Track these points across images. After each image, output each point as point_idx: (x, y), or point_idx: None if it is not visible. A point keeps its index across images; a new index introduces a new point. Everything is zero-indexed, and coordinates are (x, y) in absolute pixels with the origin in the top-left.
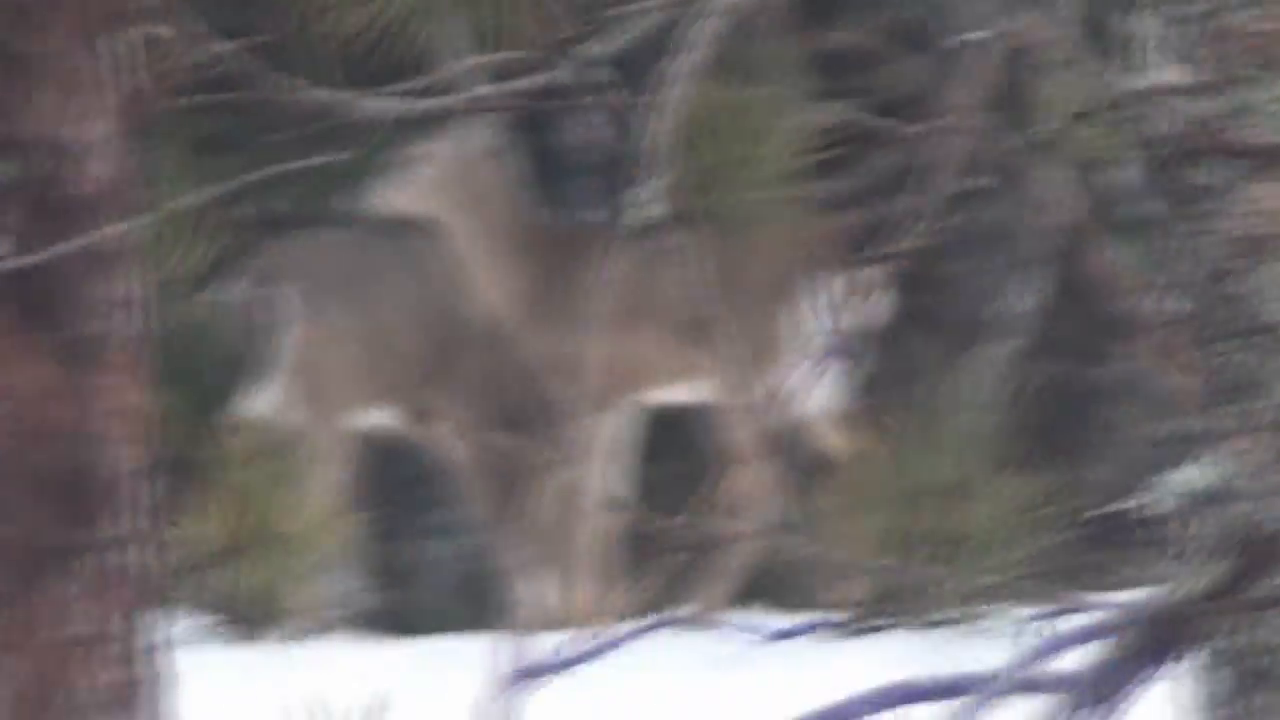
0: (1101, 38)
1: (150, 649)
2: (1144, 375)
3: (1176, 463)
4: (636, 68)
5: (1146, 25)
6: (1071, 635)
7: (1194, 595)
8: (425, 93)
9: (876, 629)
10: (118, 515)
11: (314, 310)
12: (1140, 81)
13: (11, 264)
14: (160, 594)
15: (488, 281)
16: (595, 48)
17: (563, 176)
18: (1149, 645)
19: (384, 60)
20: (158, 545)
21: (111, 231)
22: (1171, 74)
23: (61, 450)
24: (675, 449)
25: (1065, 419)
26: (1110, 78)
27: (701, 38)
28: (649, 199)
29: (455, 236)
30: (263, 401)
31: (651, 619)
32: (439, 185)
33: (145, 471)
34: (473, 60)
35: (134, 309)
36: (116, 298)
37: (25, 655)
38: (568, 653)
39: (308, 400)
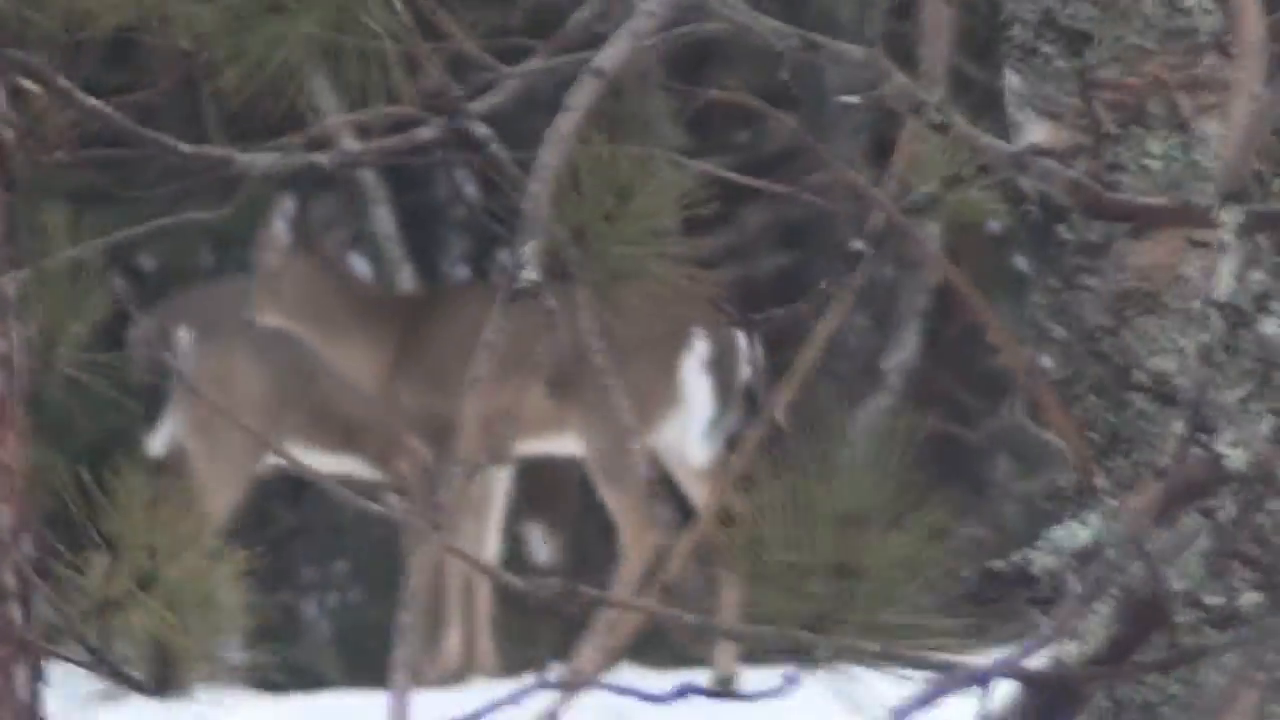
0: (968, 93)
1: (27, 704)
2: (1020, 431)
3: (1057, 519)
4: (508, 123)
5: (1012, 81)
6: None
7: (1081, 658)
8: (300, 148)
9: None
10: None
11: (212, 352)
12: (1011, 143)
13: None
14: (39, 650)
15: (345, 364)
16: (469, 105)
17: (432, 232)
18: (1035, 708)
19: (260, 116)
20: (36, 600)
21: None
22: (1040, 131)
23: None
24: (552, 501)
25: (942, 474)
26: (980, 139)
27: (580, 99)
28: (526, 259)
29: (305, 336)
30: (157, 444)
31: (534, 679)
32: (272, 300)
33: (23, 526)
34: (346, 116)
35: (8, 365)
36: None
37: None
38: (454, 713)
39: (204, 440)
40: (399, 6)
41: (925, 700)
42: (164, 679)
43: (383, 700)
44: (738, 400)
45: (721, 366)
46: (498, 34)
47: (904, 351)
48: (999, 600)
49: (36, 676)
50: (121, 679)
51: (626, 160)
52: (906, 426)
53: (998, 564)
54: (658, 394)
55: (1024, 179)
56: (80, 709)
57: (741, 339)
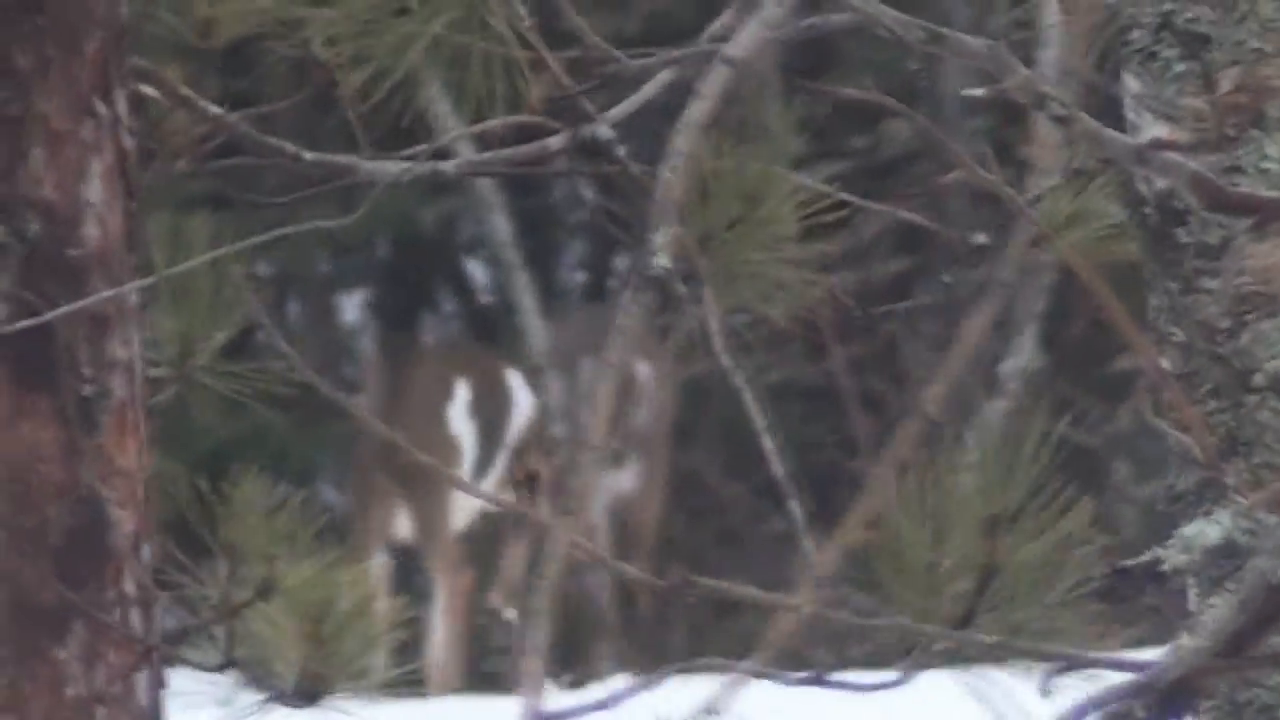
0: (1090, 97)
1: (149, 710)
2: (1138, 435)
3: (1174, 523)
4: (633, 132)
5: (1130, 85)
6: (1095, 699)
7: (1204, 652)
8: (424, 157)
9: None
10: (116, 576)
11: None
12: (1133, 139)
13: (8, 327)
14: (160, 655)
15: None
16: (593, 117)
17: (549, 238)
18: (1160, 706)
19: (383, 123)
20: (157, 606)
21: (106, 295)
22: (1158, 134)
23: (58, 512)
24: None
25: (1065, 477)
26: (1103, 133)
27: (711, 87)
28: (658, 247)
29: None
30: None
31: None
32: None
33: (144, 532)
34: (475, 127)
35: (130, 371)
36: (113, 360)
37: (24, 717)
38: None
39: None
40: (523, 10)
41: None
42: (309, 690)
43: (501, 705)
44: (504, 442)
45: (486, 410)
46: (613, 40)
47: (1022, 356)
48: (1130, 599)
49: (157, 683)
50: (267, 691)
51: (752, 169)
52: (1039, 428)
53: (1129, 562)
54: (436, 446)
55: (1143, 177)
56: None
57: (513, 379)
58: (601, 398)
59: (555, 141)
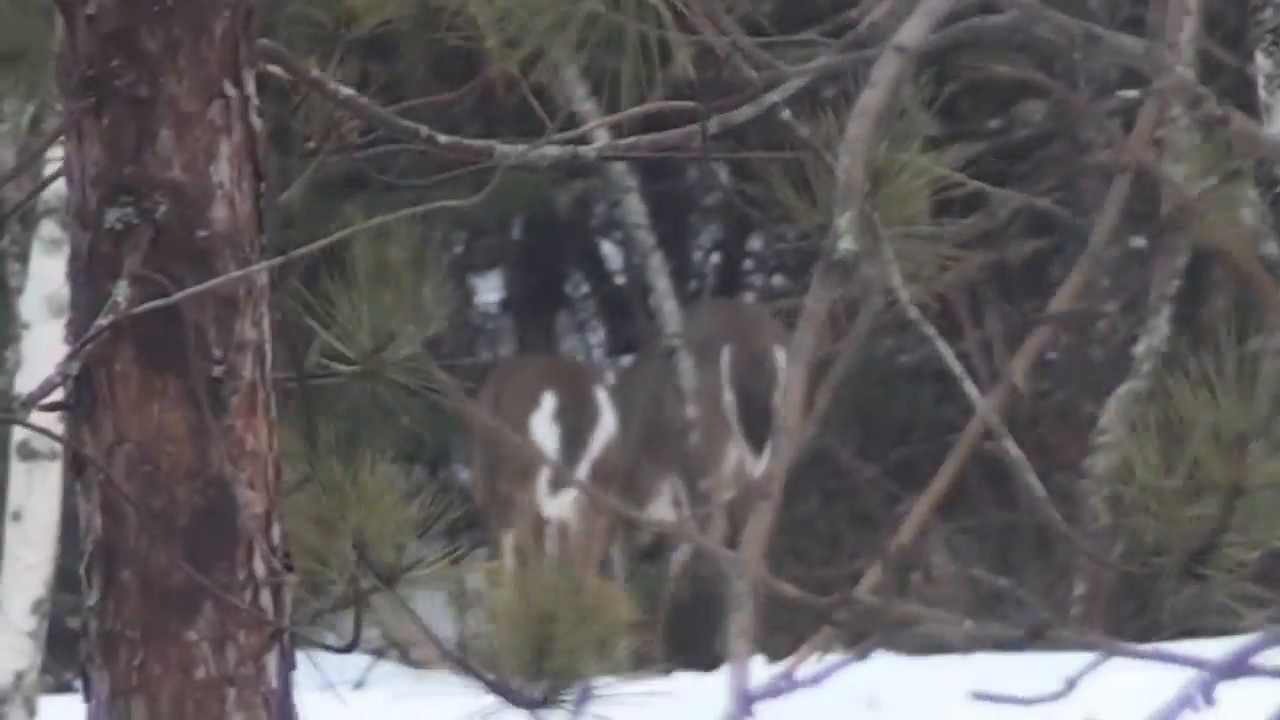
0: (1218, 77)
1: (279, 691)
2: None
3: None
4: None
5: (1263, 65)
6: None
7: None
8: (556, 141)
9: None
10: (246, 558)
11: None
12: (1263, 127)
13: (135, 309)
14: (289, 637)
15: None
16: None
17: (683, 220)
18: None
19: (520, 108)
20: (286, 588)
21: (235, 276)
22: None
23: (188, 493)
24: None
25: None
26: (1259, 132)
27: (883, 75)
28: (843, 231)
29: None
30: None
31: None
32: None
33: (274, 513)
34: (615, 116)
35: (260, 352)
36: (242, 341)
37: (154, 699)
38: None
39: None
40: None
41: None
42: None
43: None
44: (586, 455)
45: (571, 420)
46: (746, 26)
47: (1155, 337)
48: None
49: (287, 664)
50: (502, 691)
51: (882, 147)
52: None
53: None
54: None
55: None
56: (327, 697)
57: (600, 394)
58: (794, 381)
59: (693, 130)
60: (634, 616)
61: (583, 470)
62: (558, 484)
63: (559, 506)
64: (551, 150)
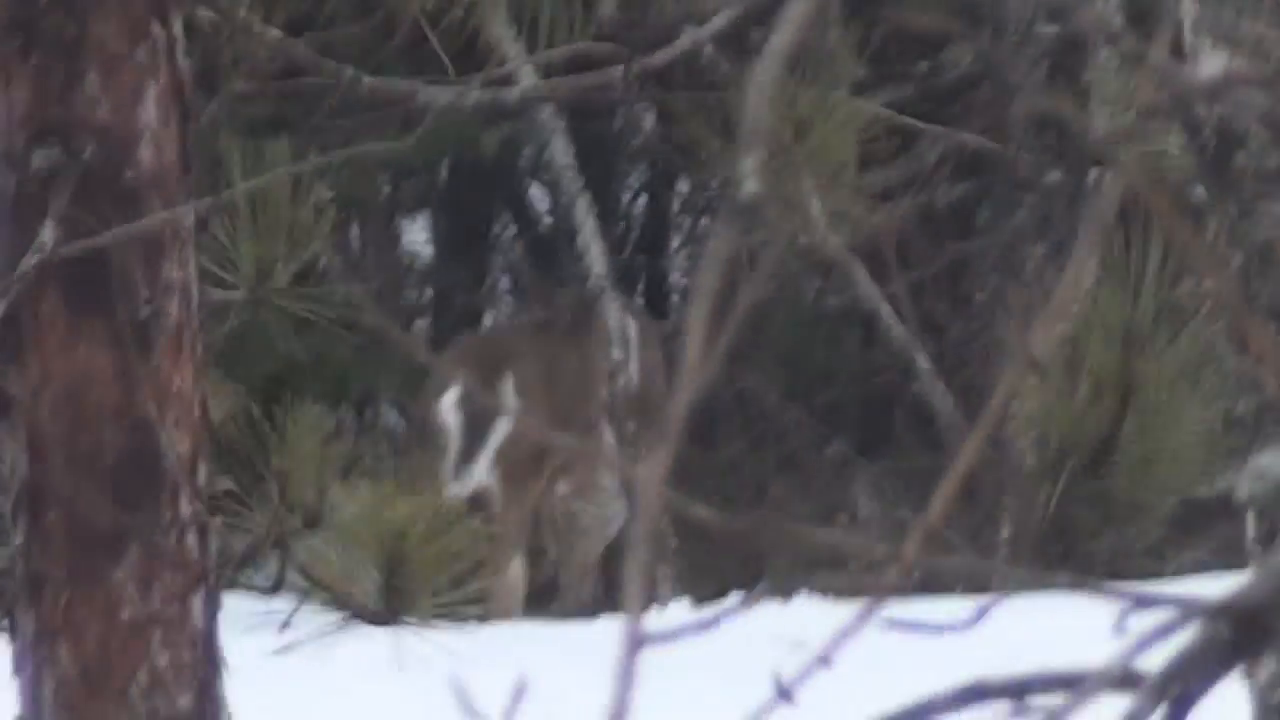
0: (1143, 21)
1: (204, 634)
2: (1205, 360)
3: (1244, 443)
4: (682, 66)
5: (1189, 8)
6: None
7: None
8: (481, 83)
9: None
10: (171, 499)
11: None
12: (1194, 73)
13: (61, 250)
14: (214, 578)
15: None
16: (654, 51)
17: (610, 163)
18: (1229, 642)
19: (445, 50)
20: (212, 529)
21: (161, 217)
22: (1216, 59)
23: (114, 434)
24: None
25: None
26: (1177, 71)
27: (795, 13)
28: (748, 173)
29: None
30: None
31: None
32: None
33: (198, 455)
34: (531, 57)
35: (187, 293)
36: (169, 282)
37: (80, 640)
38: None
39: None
40: None
41: (1158, 636)
42: (390, 610)
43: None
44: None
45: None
46: None
47: (1084, 280)
48: (1201, 530)
49: (212, 606)
50: (354, 610)
51: (805, 96)
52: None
53: (1202, 491)
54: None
55: (1205, 109)
56: (250, 637)
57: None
58: (695, 325)
59: (617, 72)
60: (483, 529)
61: (483, 461)
62: (459, 473)
63: (463, 489)
64: (474, 93)
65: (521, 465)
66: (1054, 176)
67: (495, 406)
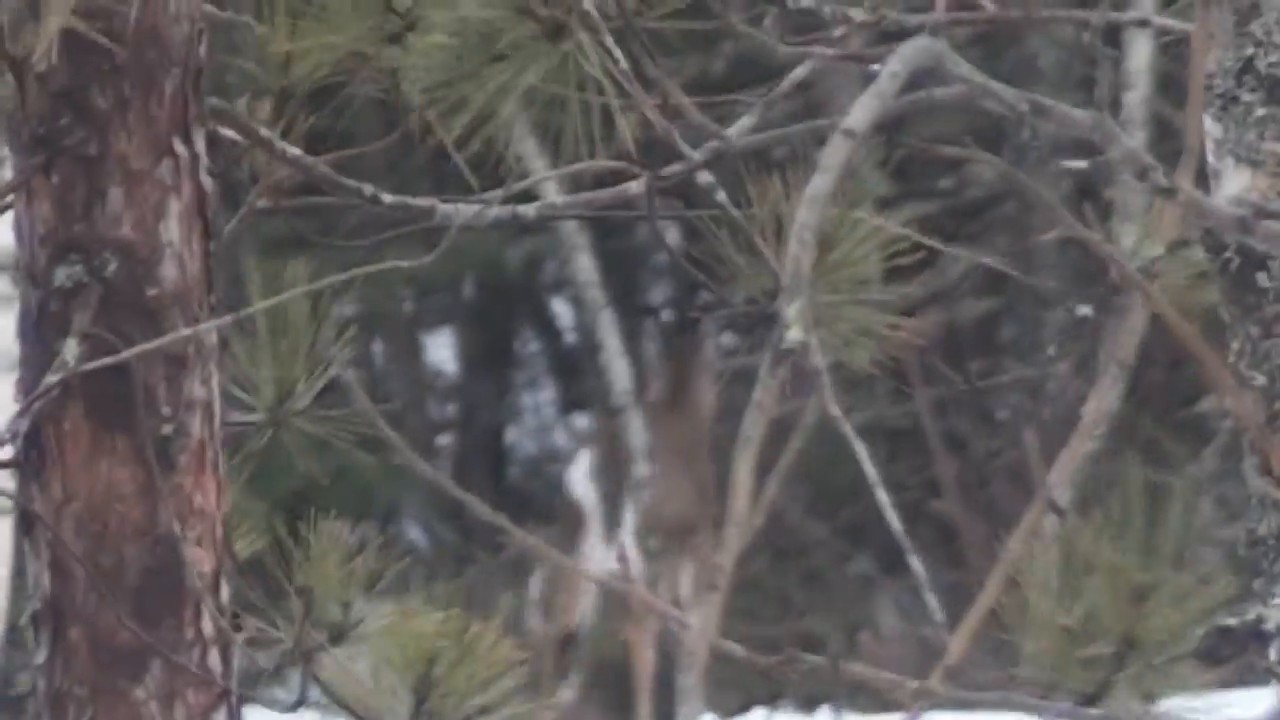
0: (1169, 139)
1: None
2: (1222, 478)
3: (1257, 569)
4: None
5: (1212, 129)
6: None
7: None
8: (502, 199)
9: None
10: (194, 617)
11: None
12: (1212, 193)
13: (84, 367)
14: (237, 696)
15: None
16: (683, 164)
17: (634, 278)
18: None
19: (464, 165)
20: (234, 647)
21: (184, 334)
22: (1240, 179)
23: (136, 552)
24: None
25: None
26: (1206, 203)
27: (832, 160)
28: (792, 320)
29: None
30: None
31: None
32: None
33: (221, 573)
34: (557, 171)
35: (209, 410)
36: (191, 399)
37: None
38: None
39: None
40: (620, 57)
41: None
42: None
43: None
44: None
45: (609, 474)
46: (698, 85)
47: (1108, 397)
48: (1233, 659)
49: None
50: None
51: (830, 210)
52: (1125, 469)
53: (1231, 620)
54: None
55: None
56: None
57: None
58: (742, 472)
59: (635, 185)
60: (517, 655)
61: (625, 532)
62: (600, 544)
63: (607, 562)
64: (494, 210)
65: (663, 538)
66: (1078, 300)
67: (631, 477)
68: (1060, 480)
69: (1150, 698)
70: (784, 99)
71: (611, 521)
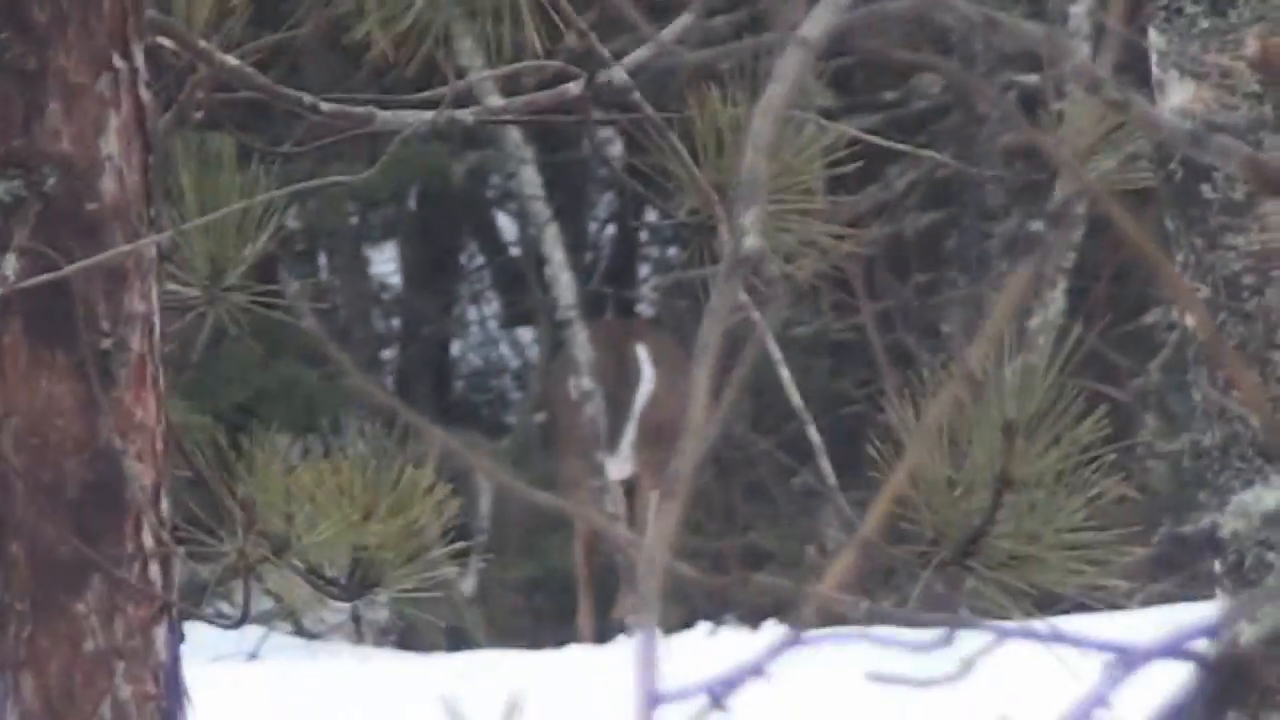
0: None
1: (167, 664)
2: (1167, 390)
3: (1201, 480)
4: (650, 83)
5: (1156, 41)
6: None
7: (1256, 638)
8: (441, 104)
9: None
10: (134, 531)
11: None
12: (1155, 103)
13: (24, 282)
14: (179, 611)
15: None
16: (613, 64)
17: (579, 191)
18: (1209, 690)
19: (400, 71)
20: (175, 561)
21: (125, 250)
22: (1183, 91)
23: (76, 466)
24: None
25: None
26: (1159, 118)
27: (787, 69)
28: (748, 228)
29: None
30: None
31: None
32: None
33: (161, 487)
34: (489, 73)
35: (149, 324)
36: (131, 313)
37: (42, 671)
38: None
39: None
40: None
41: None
42: (359, 585)
43: (520, 658)
44: (631, 413)
45: (611, 380)
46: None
47: (1051, 310)
48: (1185, 564)
49: (175, 637)
50: (321, 586)
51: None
52: (1073, 340)
53: (1186, 528)
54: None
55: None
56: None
57: (641, 352)
58: (700, 381)
59: (573, 87)
60: (451, 499)
61: (627, 442)
62: (606, 455)
63: (615, 473)
64: (430, 114)
65: (664, 448)
66: (1026, 214)
67: (635, 382)
68: (976, 355)
69: (1033, 539)
70: (729, 11)
71: (614, 430)
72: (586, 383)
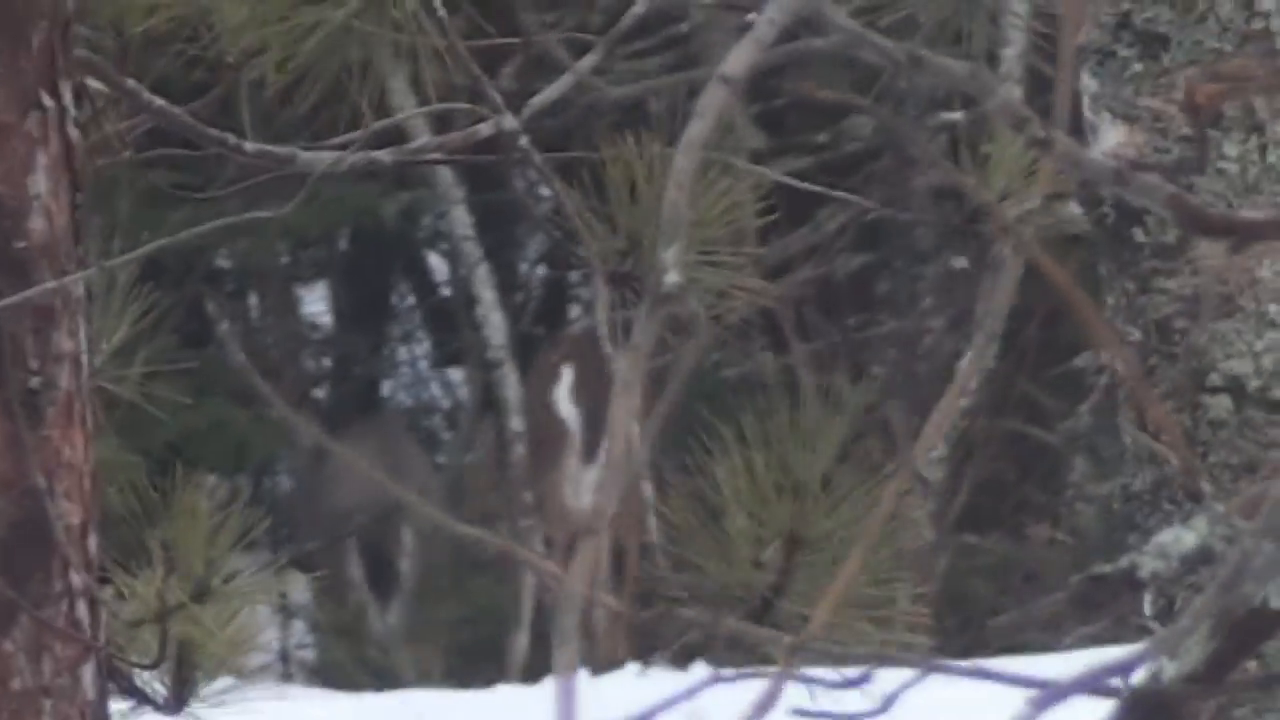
0: (1044, 93)
1: (95, 703)
2: (1096, 433)
3: (1131, 523)
4: (579, 128)
5: (1088, 84)
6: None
7: (1178, 675)
8: (365, 145)
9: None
10: (61, 570)
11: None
12: (1089, 146)
13: None
14: (103, 650)
15: None
16: (537, 101)
17: (509, 232)
18: None
19: (326, 112)
20: (101, 600)
21: (51, 286)
22: (1116, 134)
23: (4, 505)
24: None
25: (1019, 475)
26: (1083, 156)
27: (709, 105)
28: (669, 264)
29: None
30: None
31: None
32: None
33: (89, 526)
34: (412, 112)
35: (76, 363)
36: (59, 352)
37: None
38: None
39: None
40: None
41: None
42: (180, 694)
43: (448, 698)
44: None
45: (590, 395)
46: (577, 38)
47: (984, 355)
48: (1106, 605)
49: (103, 676)
50: (138, 695)
51: (705, 162)
52: (857, 398)
53: (1105, 568)
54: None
55: (1099, 182)
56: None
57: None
58: (619, 417)
59: (485, 128)
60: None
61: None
62: (583, 470)
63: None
64: (348, 156)
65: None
66: (952, 254)
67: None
68: (932, 439)
69: (823, 594)
70: (663, 51)
71: (590, 443)
72: (516, 423)
